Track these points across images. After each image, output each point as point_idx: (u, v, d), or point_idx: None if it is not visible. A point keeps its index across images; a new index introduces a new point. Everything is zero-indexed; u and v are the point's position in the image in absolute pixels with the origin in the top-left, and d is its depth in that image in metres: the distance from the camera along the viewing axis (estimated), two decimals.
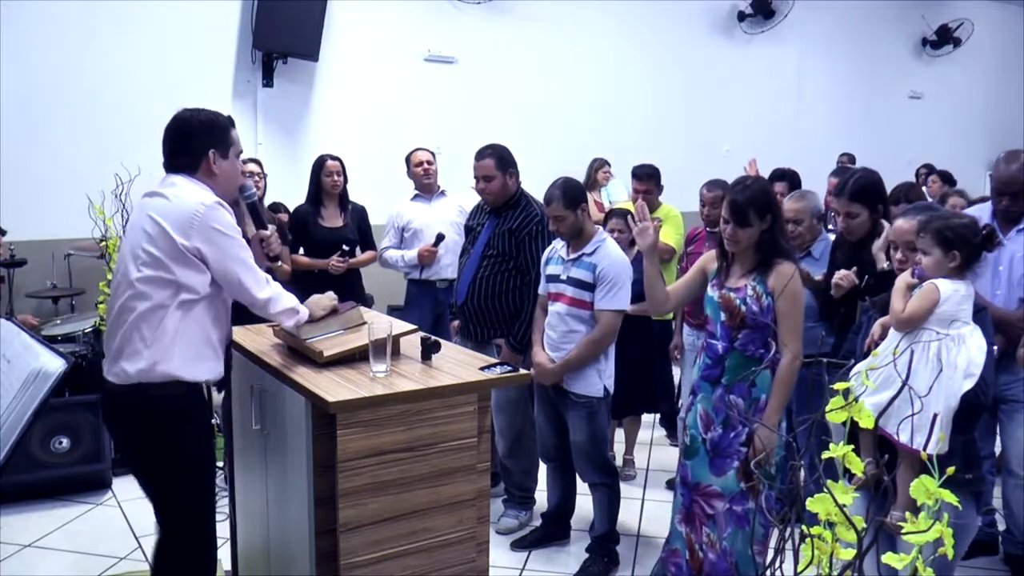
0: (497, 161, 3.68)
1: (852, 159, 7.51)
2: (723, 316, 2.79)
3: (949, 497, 1.10)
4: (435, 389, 2.33)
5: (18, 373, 2.25)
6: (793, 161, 5.12)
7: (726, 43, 8.20)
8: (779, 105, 8.56)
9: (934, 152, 8.56)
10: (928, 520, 1.10)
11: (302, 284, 4.32)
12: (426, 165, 4.69)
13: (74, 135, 5.23)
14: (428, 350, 2.58)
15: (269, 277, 2.46)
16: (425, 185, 4.70)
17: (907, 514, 1.18)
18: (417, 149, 4.78)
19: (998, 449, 3.56)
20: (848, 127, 8.96)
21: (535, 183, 3.88)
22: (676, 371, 4.62)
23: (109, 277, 4.41)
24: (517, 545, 3.63)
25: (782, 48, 8.44)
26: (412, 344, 2.65)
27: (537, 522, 3.77)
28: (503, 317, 3.68)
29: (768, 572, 1.13)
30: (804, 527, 1.14)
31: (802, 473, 1.14)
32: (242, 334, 2.75)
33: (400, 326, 2.71)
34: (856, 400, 1.17)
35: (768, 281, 2.73)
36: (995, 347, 3.04)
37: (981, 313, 2.44)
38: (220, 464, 3.17)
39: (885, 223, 3.06)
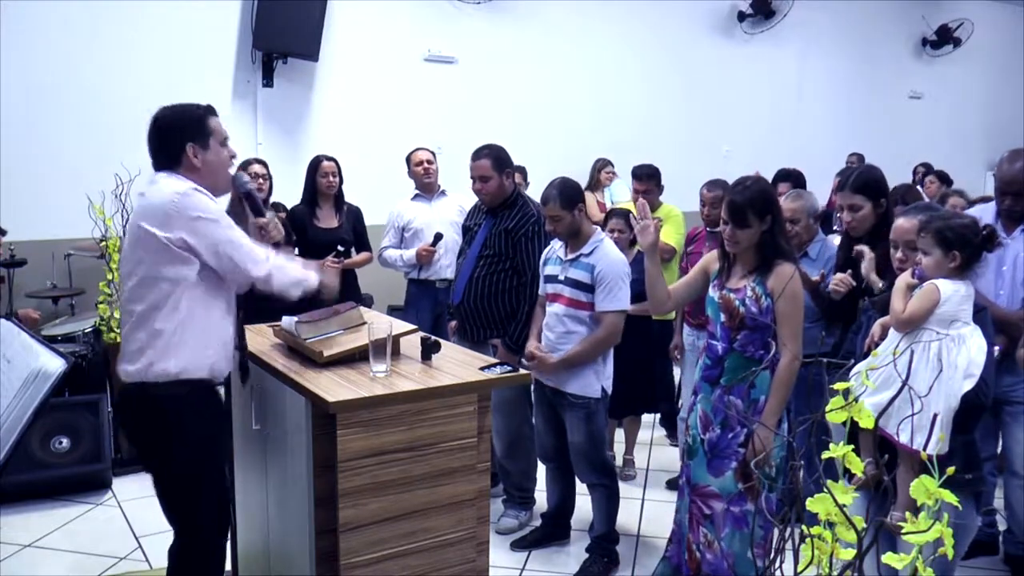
0: (494, 161, 3.68)
1: (861, 159, 7.52)
2: (723, 317, 2.79)
3: (949, 497, 1.10)
4: (435, 389, 2.33)
5: (18, 373, 2.25)
6: (793, 161, 5.12)
7: (726, 43, 8.20)
8: (779, 105, 8.56)
9: (934, 152, 8.56)
10: (928, 520, 1.10)
11: None
12: (426, 165, 4.68)
13: (74, 135, 5.23)
14: (428, 350, 2.58)
15: (271, 252, 2.42)
16: (426, 185, 4.69)
17: (907, 514, 1.18)
18: (417, 149, 4.78)
19: (999, 450, 3.56)
20: (848, 127, 8.96)
21: (535, 183, 3.89)
22: (676, 371, 4.62)
23: (109, 277, 4.43)
24: (517, 545, 3.63)
25: (782, 48, 8.44)
26: (412, 344, 2.65)
27: (537, 522, 3.77)
28: (499, 317, 3.69)
29: (768, 572, 1.13)
30: (804, 527, 1.14)
31: (802, 473, 1.14)
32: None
33: (400, 326, 2.72)
34: (856, 400, 1.17)
35: (768, 282, 2.73)
36: (997, 347, 3.05)
37: (981, 313, 2.43)
38: None
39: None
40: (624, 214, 4.03)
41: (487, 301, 3.68)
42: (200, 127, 2.38)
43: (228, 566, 3.01)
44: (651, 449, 4.81)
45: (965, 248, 2.35)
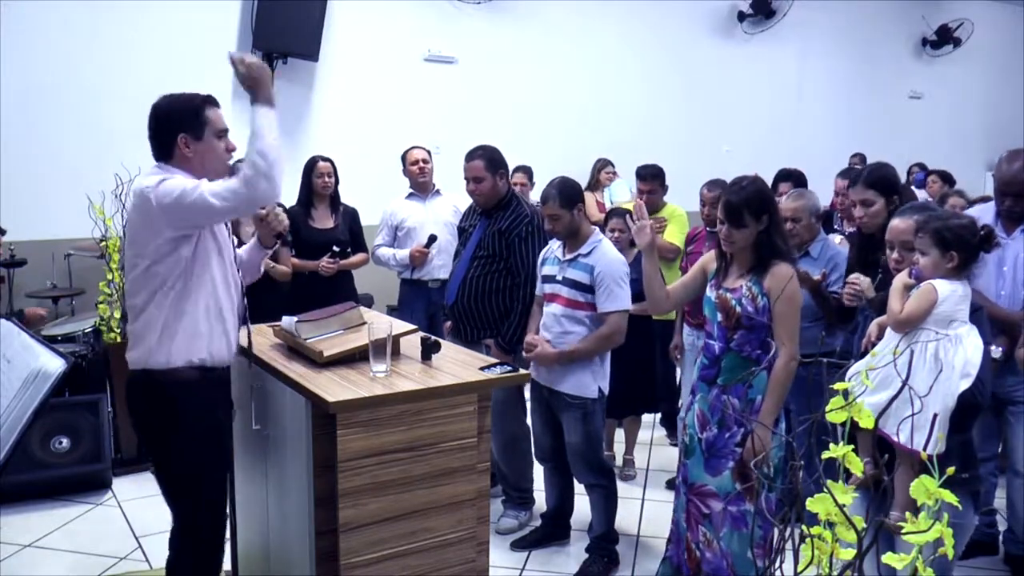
0: (487, 162, 3.69)
1: (863, 159, 7.52)
2: (720, 316, 2.80)
3: (949, 497, 1.09)
4: (435, 389, 2.33)
5: (18, 373, 2.25)
6: (793, 161, 5.11)
7: (726, 43, 8.21)
8: (779, 105, 8.56)
9: (934, 152, 8.56)
10: (928, 520, 1.10)
11: (293, 286, 4.34)
12: (422, 164, 4.68)
13: (74, 135, 5.24)
14: (428, 350, 2.58)
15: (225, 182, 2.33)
16: (420, 184, 4.69)
17: (907, 514, 1.18)
18: (413, 147, 4.77)
19: (1000, 450, 3.56)
20: (848, 127, 8.96)
21: (537, 183, 3.89)
22: (678, 371, 4.62)
23: (109, 277, 4.42)
24: (517, 545, 3.63)
25: (782, 48, 8.44)
26: (412, 344, 2.65)
27: (537, 522, 3.77)
28: (492, 317, 3.69)
29: (768, 572, 1.13)
30: (804, 527, 1.14)
31: (801, 473, 1.14)
32: (242, 334, 2.75)
33: (400, 326, 2.72)
34: (853, 400, 1.17)
35: (764, 282, 2.73)
36: (1000, 348, 3.05)
37: (977, 313, 2.44)
38: None
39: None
40: (624, 214, 4.04)
41: (481, 301, 3.68)
42: (194, 117, 2.35)
43: (228, 566, 3.02)
44: (651, 449, 4.81)
45: (963, 248, 2.35)
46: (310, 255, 4.40)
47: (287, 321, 2.63)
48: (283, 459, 2.50)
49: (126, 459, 4.31)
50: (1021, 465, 3.22)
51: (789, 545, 1.14)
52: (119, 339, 4.22)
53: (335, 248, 4.39)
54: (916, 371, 2.29)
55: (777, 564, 1.13)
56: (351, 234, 4.57)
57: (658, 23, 7.71)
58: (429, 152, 4.76)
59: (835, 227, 4.27)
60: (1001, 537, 3.54)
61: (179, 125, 2.33)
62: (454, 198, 4.73)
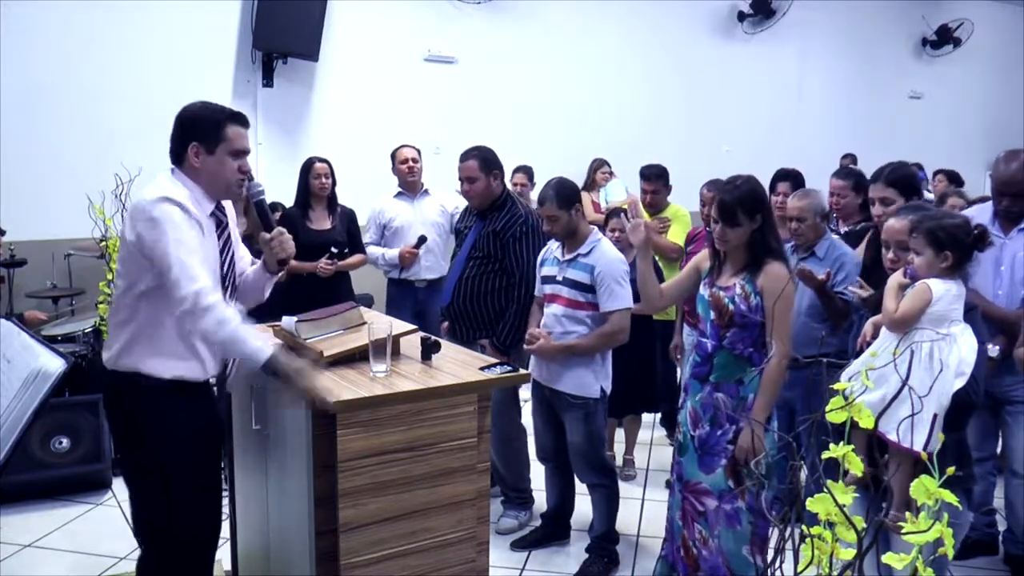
0: (481, 163, 3.69)
1: (854, 160, 7.52)
2: (712, 315, 2.81)
3: (949, 497, 1.10)
4: (435, 389, 2.33)
5: (18, 373, 2.25)
6: (793, 161, 5.11)
7: (726, 43, 8.21)
8: (779, 105, 8.56)
9: (934, 152, 8.55)
10: (928, 520, 1.10)
11: (291, 287, 4.34)
12: (411, 163, 4.68)
13: (74, 135, 5.24)
14: (428, 350, 2.58)
15: (230, 306, 2.25)
16: (409, 183, 4.70)
17: (907, 514, 1.18)
18: (403, 146, 4.77)
19: (999, 450, 3.56)
20: (848, 127, 8.96)
21: (537, 184, 3.89)
22: (678, 371, 4.62)
23: (109, 277, 4.42)
24: (517, 545, 3.63)
25: (782, 48, 8.44)
26: (412, 344, 2.65)
27: (537, 522, 3.77)
28: (488, 318, 3.69)
29: (768, 572, 1.13)
30: (804, 527, 1.14)
31: (803, 473, 1.14)
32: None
33: (400, 326, 2.72)
34: (853, 401, 1.17)
35: (757, 281, 2.74)
36: (993, 346, 3.06)
37: (972, 312, 2.45)
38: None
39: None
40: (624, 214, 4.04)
41: (476, 302, 3.68)
42: (212, 131, 2.28)
43: (228, 566, 3.02)
44: (651, 449, 4.81)
45: (957, 248, 2.37)
46: (308, 256, 4.39)
47: (287, 321, 2.63)
48: (283, 459, 2.50)
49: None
50: (1019, 465, 3.23)
51: (789, 545, 1.14)
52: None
53: (333, 249, 4.38)
54: (911, 370, 2.30)
55: (777, 564, 1.13)
56: (349, 235, 4.56)
57: (658, 23, 7.71)
58: (419, 151, 4.76)
59: (831, 226, 4.26)
60: (1001, 537, 3.55)
61: (195, 133, 2.29)
62: (442, 198, 4.75)
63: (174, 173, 2.32)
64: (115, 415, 2.40)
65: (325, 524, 2.27)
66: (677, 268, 4.49)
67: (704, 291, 2.87)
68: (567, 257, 3.33)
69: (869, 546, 1.09)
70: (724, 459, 2.78)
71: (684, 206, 4.77)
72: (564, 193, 3.29)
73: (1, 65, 4.98)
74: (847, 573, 1.10)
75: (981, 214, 3.33)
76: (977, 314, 2.48)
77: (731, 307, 2.75)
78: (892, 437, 2.24)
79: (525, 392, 4.49)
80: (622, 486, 3.61)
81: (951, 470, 1.12)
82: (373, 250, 4.65)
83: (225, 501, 3.03)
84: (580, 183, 4.99)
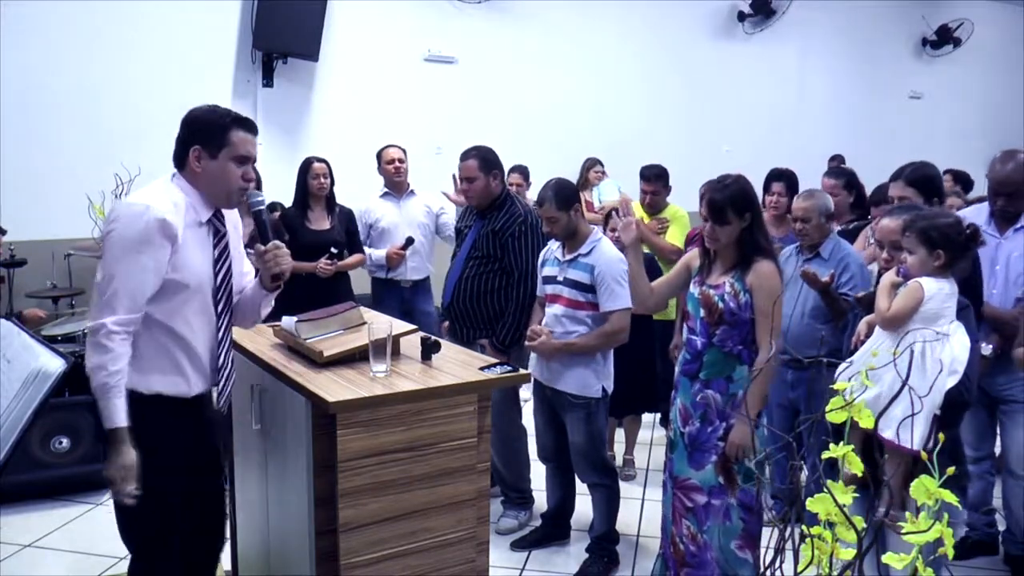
0: (480, 162, 3.69)
1: (842, 161, 7.53)
2: (703, 312, 2.83)
3: (949, 497, 1.10)
4: (435, 389, 2.33)
5: (18, 373, 2.25)
6: (793, 161, 5.10)
7: (726, 43, 8.20)
8: (779, 105, 8.56)
9: (934, 152, 8.51)
10: (928, 520, 1.10)
11: (290, 287, 4.33)
12: (397, 163, 4.69)
13: (74, 135, 5.24)
14: (428, 350, 2.58)
15: (124, 345, 2.10)
16: (396, 184, 4.71)
17: (907, 514, 1.18)
18: (389, 146, 4.78)
19: (997, 450, 3.56)
20: (848, 127, 8.96)
21: (534, 183, 3.89)
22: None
23: None
24: (517, 545, 3.64)
25: (782, 48, 8.44)
26: (412, 344, 2.65)
27: (537, 522, 3.77)
28: (487, 317, 3.69)
29: (768, 572, 1.13)
30: (804, 527, 1.14)
31: (803, 474, 1.14)
32: (242, 334, 2.75)
33: (400, 326, 2.72)
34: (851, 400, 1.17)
35: (747, 279, 2.76)
36: (987, 345, 3.07)
37: (965, 311, 2.46)
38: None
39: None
40: None
41: (476, 302, 3.68)
42: (216, 135, 2.20)
43: (228, 566, 3.02)
44: (651, 449, 4.81)
45: (949, 247, 2.39)
46: (307, 257, 4.39)
47: (287, 321, 2.63)
48: (283, 459, 2.50)
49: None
50: (1016, 465, 3.23)
51: (789, 545, 1.14)
52: None
53: (332, 250, 4.38)
54: (911, 370, 2.31)
55: (777, 564, 1.13)
56: (347, 235, 4.56)
57: (658, 23, 7.71)
58: (404, 151, 4.76)
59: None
60: (1001, 537, 3.55)
61: (197, 137, 2.21)
62: (427, 198, 4.76)
63: (174, 178, 2.25)
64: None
65: (325, 524, 2.27)
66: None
67: (694, 289, 2.90)
68: (567, 257, 3.33)
69: (869, 546, 1.09)
70: (714, 456, 2.82)
71: (683, 207, 4.77)
72: (563, 194, 3.29)
73: (1, 65, 4.98)
74: (847, 573, 1.10)
75: (978, 214, 3.34)
76: (970, 312, 2.49)
77: (721, 305, 2.77)
78: (887, 436, 2.25)
79: (526, 392, 4.49)
80: (622, 486, 3.61)
81: (951, 470, 1.12)
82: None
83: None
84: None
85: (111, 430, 2.10)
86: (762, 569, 1.14)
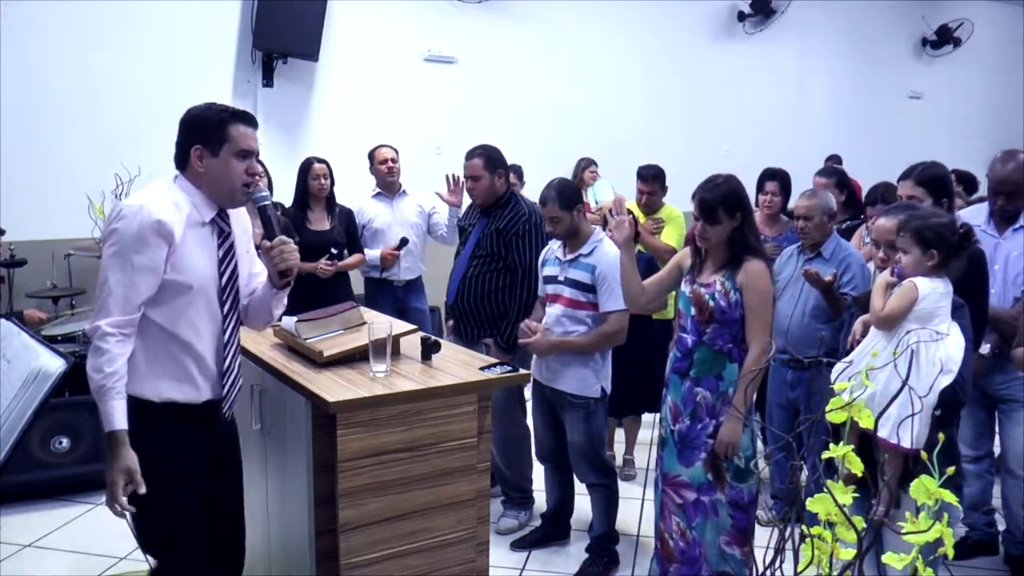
0: (486, 161, 3.70)
1: (839, 161, 7.53)
2: (693, 311, 2.86)
3: (949, 497, 1.10)
4: (435, 389, 2.33)
5: (18, 373, 2.25)
6: (792, 160, 5.11)
7: (726, 43, 8.20)
8: (779, 105, 8.56)
9: (934, 152, 8.50)
10: (928, 520, 1.10)
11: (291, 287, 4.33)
12: (390, 163, 4.70)
13: (74, 135, 5.23)
14: (428, 350, 2.58)
15: (124, 347, 2.07)
16: (388, 184, 4.71)
17: (907, 514, 1.18)
18: (381, 146, 4.78)
19: (997, 449, 3.56)
20: (848, 127, 8.96)
21: (534, 183, 3.89)
22: None
23: None
24: (517, 545, 3.64)
25: (782, 48, 8.44)
26: (412, 344, 2.66)
27: (537, 522, 3.77)
28: (491, 316, 3.70)
29: (768, 572, 1.13)
30: (804, 527, 1.14)
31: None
32: (242, 334, 2.74)
33: (400, 326, 2.72)
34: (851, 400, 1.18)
35: (737, 277, 2.79)
36: (985, 344, 3.07)
37: (960, 310, 2.48)
38: None
39: None
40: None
41: (479, 301, 3.69)
42: (215, 131, 2.16)
43: None
44: (651, 449, 4.80)
45: (943, 247, 2.41)
46: (307, 257, 4.36)
47: (287, 321, 2.63)
48: (283, 459, 2.50)
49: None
50: (1015, 464, 3.23)
51: (789, 545, 1.14)
52: None
53: (333, 250, 4.39)
54: (910, 369, 2.32)
55: (777, 564, 1.13)
56: (347, 235, 4.57)
57: (658, 23, 7.71)
58: (396, 151, 4.77)
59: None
60: (1001, 537, 3.55)
61: (197, 136, 2.17)
62: (419, 198, 4.76)
63: (177, 179, 2.21)
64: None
65: (325, 524, 2.27)
66: None
67: (685, 288, 2.92)
68: (569, 257, 3.33)
69: (869, 546, 1.09)
70: (703, 453, 2.84)
71: (680, 207, 4.76)
72: (566, 194, 3.30)
73: (1, 65, 4.98)
74: (847, 573, 1.10)
75: (977, 214, 3.34)
76: (965, 312, 2.51)
77: (711, 303, 2.80)
78: (882, 435, 2.26)
79: (528, 392, 4.49)
80: (622, 486, 3.62)
81: (951, 470, 1.12)
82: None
83: None
84: None
85: (109, 433, 2.06)
86: (761, 569, 1.14)
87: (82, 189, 4.54)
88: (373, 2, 6.30)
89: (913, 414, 2.21)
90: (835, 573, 1.12)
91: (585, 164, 6.53)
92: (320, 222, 4.50)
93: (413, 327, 2.73)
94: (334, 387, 2.26)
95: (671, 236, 4.54)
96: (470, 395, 2.38)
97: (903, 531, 1.09)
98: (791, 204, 4.12)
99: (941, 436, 1.21)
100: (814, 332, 3.38)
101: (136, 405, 2.11)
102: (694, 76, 7.95)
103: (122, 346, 2.07)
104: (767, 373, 3.68)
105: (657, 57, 7.75)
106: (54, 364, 2.23)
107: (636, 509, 4.04)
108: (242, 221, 2.34)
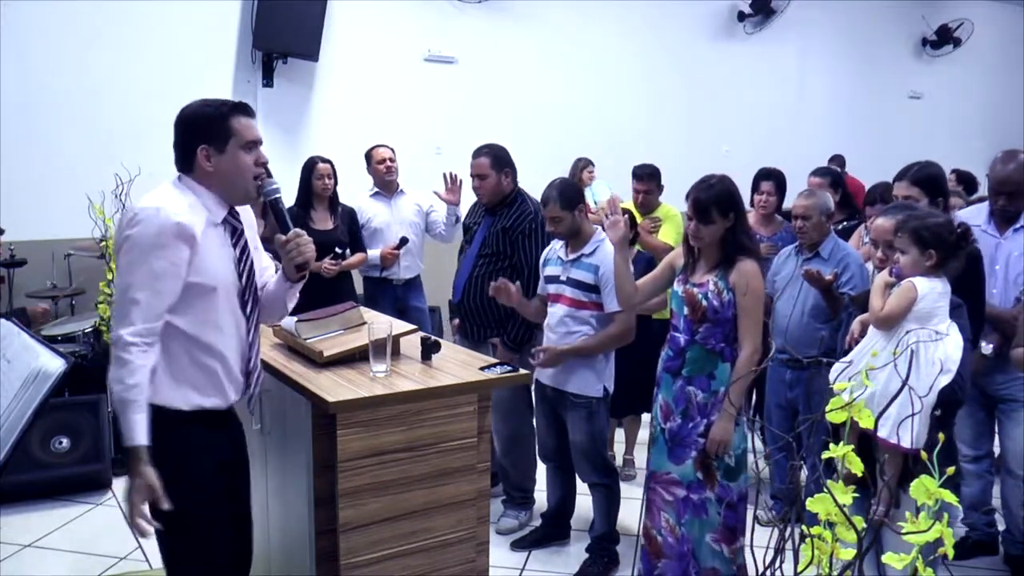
0: (492, 160, 3.70)
1: (843, 162, 7.52)
2: (686, 310, 2.88)
3: (949, 497, 1.10)
4: (435, 389, 2.33)
5: (18, 373, 2.25)
6: (792, 160, 5.11)
7: (726, 43, 8.20)
8: (779, 105, 8.55)
9: (934, 152, 8.49)
10: (928, 520, 1.10)
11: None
12: (388, 162, 4.70)
13: (74, 135, 5.23)
14: (428, 350, 2.58)
15: (150, 355, 2.00)
16: (386, 183, 4.71)
17: (907, 514, 1.18)
18: (379, 146, 4.78)
19: (996, 449, 3.56)
20: (848, 127, 8.96)
21: (535, 183, 3.89)
22: None
23: (109, 277, 4.42)
24: (517, 545, 3.64)
25: (782, 48, 8.44)
26: (412, 344, 2.66)
27: (537, 522, 3.77)
28: (498, 316, 3.69)
29: (768, 572, 1.13)
30: (804, 527, 1.14)
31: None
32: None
33: (400, 326, 2.72)
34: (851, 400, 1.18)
35: (730, 277, 2.81)
36: (987, 344, 3.08)
37: (958, 310, 2.48)
38: None
39: None
40: (626, 213, 4.04)
41: (485, 300, 3.68)
42: (218, 127, 2.10)
43: None
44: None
45: (941, 247, 2.42)
46: None
47: (287, 321, 2.63)
48: (283, 459, 2.50)
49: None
50: (1015, 465, 3.23)
51: (789, 545, 1.14)
52: None
53: (337, 250, 4.39)
54: (910, 369, 2.33)
55: (777, 564, 1.13)
56: (349, 234, 4.57)
57: (658, 23, 7.71)
58: (393, 150, 4.77)
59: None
60: (1000, 537, 3.55)
61: (200, 135, 2.10)
62: (417, 197, 4.76)
63: (181, 180, 2.14)
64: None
65: (325, 524, 2.27)
66: None
67: (678, 287, 2.95)
68: (571, 257, 3.33)
69: (869, 546, 1.09)
70: (694, 451, 2.87)
71: (679, 207, 4.76)
72: (567, 194, 3.30)
73: (1, 65, 4.98)
74: (847, 573, 1.10)
75: (978, 214, 3.34)
76: (963, 311, 2.52)
77: (704, 303, 2.82)
78: (881, 435, 2.27)
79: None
80: (622, 486, 3.62)
81: (951, 470, 1.12)
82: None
83: None
84: None
85: (129, 448, 1.98)
86: (761, 569, 1.14)
87: (82, 189, 4.54)
88: (373, 2, 6.29)
89: (913, 414, 2.21)
90: (835, 573, 1.12)
91: (583, 164, 6.53)
92: (323, 221, 4.50)
93: (413, 327, 2.73)
94: (334, 387, 2.26)
95: (669, 235, 4.54)
96: (470, 395, 2.38)
97: (903, 531, 1.09)
98: (788, 204, 4.13)
99: (941, 436, 1.21)
100: (813, 332, 3.38)
101: (166, 416, 2.05)
102: (694, 76, 7.94)
103: (145, 356, 2.00)
104: (765, 373, 3.69)
105: (657, 57, 7.75)
106: (54, 364, 2.23)
107: (636, 509, 4.04)
108: (248, 218, 2.31)
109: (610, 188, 5.22)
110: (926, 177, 3.10)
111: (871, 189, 4.09)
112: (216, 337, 2.11)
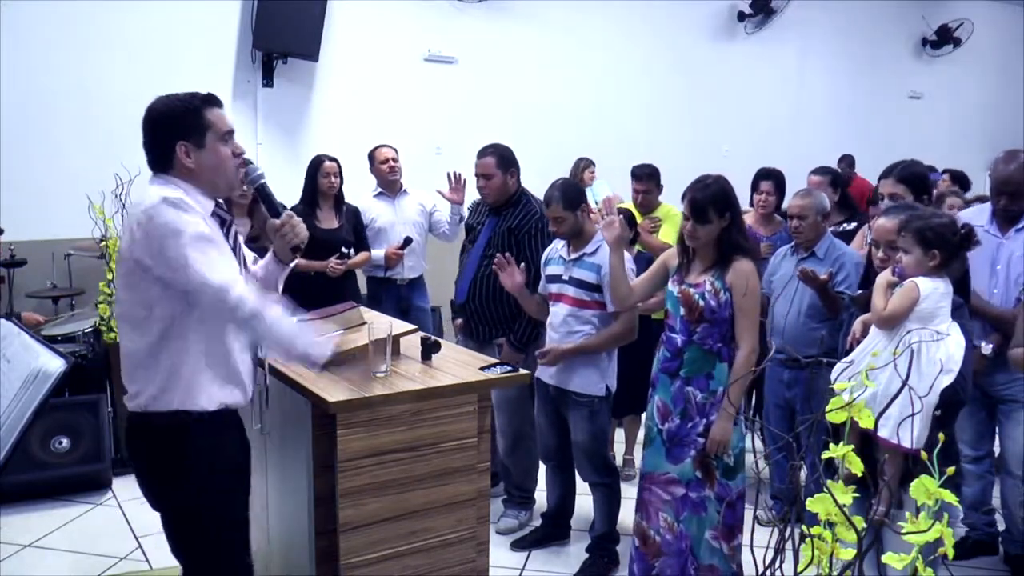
0: (498, 159, 3.70)
1: (851, 162, 7.52)
2: (683, 311, 2.88)
3: (949, 497, 1.10)
4: (435, 389, 2.33)
5: (18, 373, 2.25)
6: (792, 160, 5.11)
7: (726, 43, 8.20)
8: (779, 105, 8.56)
9: (934, 152, 8.53)
10: (928, 520, 1.10)
11: (298, 287, 4.32)
12: (391, 163, 4.69)
13: (74, 135, 5.23)
14: (428, 350, 2.58)
15: (259, 295, 2.03)
16: (390, 183, 4.71)
17: (907, 514, 1.18)
18: (381, 146, 4.78)
19: (996, 449, 3.56)
20: (848, 127, 8.96)
21: (536, 183, 3.89)
22: None
23: (109, 277, 4.43)
24: (517, 545, 3.64)
25: (782, 48, 8.44)
26: (412, 344, 2.65)
27: (537, 522, 3.77)
28: (504, 316, 3.69)
29: (768, 572, 1.13)
30: (804, 527, 1.14)
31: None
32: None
33: (400, 326, 2.72)
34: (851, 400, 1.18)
35: (726, 277, 2.82)
36: (987, 344, 3.08)
37: (960, 310, 2.49)
38: None
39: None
40: (623, 213, 4.04)
41: (491, 301, 3.68)
42: (194, 122, 2.04)
43: None
44: None
45: (944, 247, 2.42)
46: (315, 255, 4.37)
47: None
48: (283, 459, 2.50)
49: (126, 459, 4.30)
50: (1015, 465, 3.23)
51: (789, 545, 1.14)
52: (119, 339, 4.22)
53: (343, 249, 4.39)
54: (910, 369, 2.32)
55: (777, 564, 1.13)
56: (354, 233, 4.57)
57: (658, 23, 7.71)
58: (396, 150, 4.77)
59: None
60: (1000, 537, 3.55)
61: (176, 131, 2.04)
62: (420, 196, 4.77)
63: (162, 179, 2.07)
64: (151, 460, 2.11)
65: (325, 524, 2.27)
66: None
67: (673, 288, 2.94)
68: (573, 256, 3.33)
69: (869, 546, 1.09)
70: (693, 450, 2.87)
71: (678, 206, 4.76)
72: (570, 194, 3.30)
73: (1, 65, 4.98)
74: (847, 573, 1.10)
75: (979, 214, 3.34)
76: (965, 312, 2.52)
77: (701, 303, 2.82)
78: (883, 435, 2.27)
79: None
80: (622, 486, 3.61)
81: (951, 470, 1.12)
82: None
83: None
84: None
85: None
86: (761, 569, 1.14)
87: (82, 189, 4.53)
88: (373, 2, 6.29)
89: (914, 414, 2.21)
90: (835, 573, 1.12)
91: (584, 164, 6.53)
92: (329, 220, 4.50)
93: (413, 327, 2.73)
94: (334, 387, 2.26)
95: (669, 235, 4.54)
96: (470, 395, 2.38)
97: (903, 531, 1.09)
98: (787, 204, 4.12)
99: (942, 436, 1.21)
100: (810, 331, 3.39)
101: (189, 420, 2.03)
102: (694, 76, 7.94)
103: (261, 299, 2.00)
104: (763, 373, 3.69)
105: (657, 57, 7.75)
106: (54, 364, 2.23)
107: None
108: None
109: (611, 188, 5.22)
110: (911, 175, 3.12)
111: (873, 189, 4.08)
112: (229, 329, 2.09)
